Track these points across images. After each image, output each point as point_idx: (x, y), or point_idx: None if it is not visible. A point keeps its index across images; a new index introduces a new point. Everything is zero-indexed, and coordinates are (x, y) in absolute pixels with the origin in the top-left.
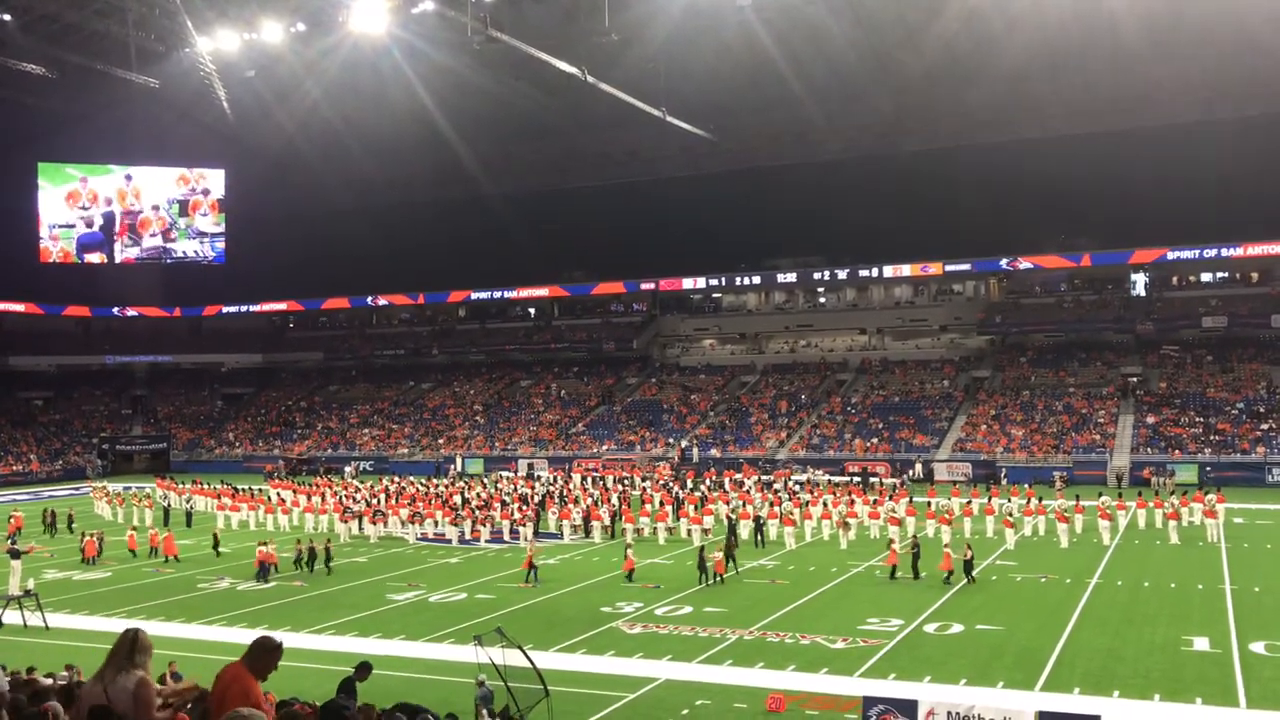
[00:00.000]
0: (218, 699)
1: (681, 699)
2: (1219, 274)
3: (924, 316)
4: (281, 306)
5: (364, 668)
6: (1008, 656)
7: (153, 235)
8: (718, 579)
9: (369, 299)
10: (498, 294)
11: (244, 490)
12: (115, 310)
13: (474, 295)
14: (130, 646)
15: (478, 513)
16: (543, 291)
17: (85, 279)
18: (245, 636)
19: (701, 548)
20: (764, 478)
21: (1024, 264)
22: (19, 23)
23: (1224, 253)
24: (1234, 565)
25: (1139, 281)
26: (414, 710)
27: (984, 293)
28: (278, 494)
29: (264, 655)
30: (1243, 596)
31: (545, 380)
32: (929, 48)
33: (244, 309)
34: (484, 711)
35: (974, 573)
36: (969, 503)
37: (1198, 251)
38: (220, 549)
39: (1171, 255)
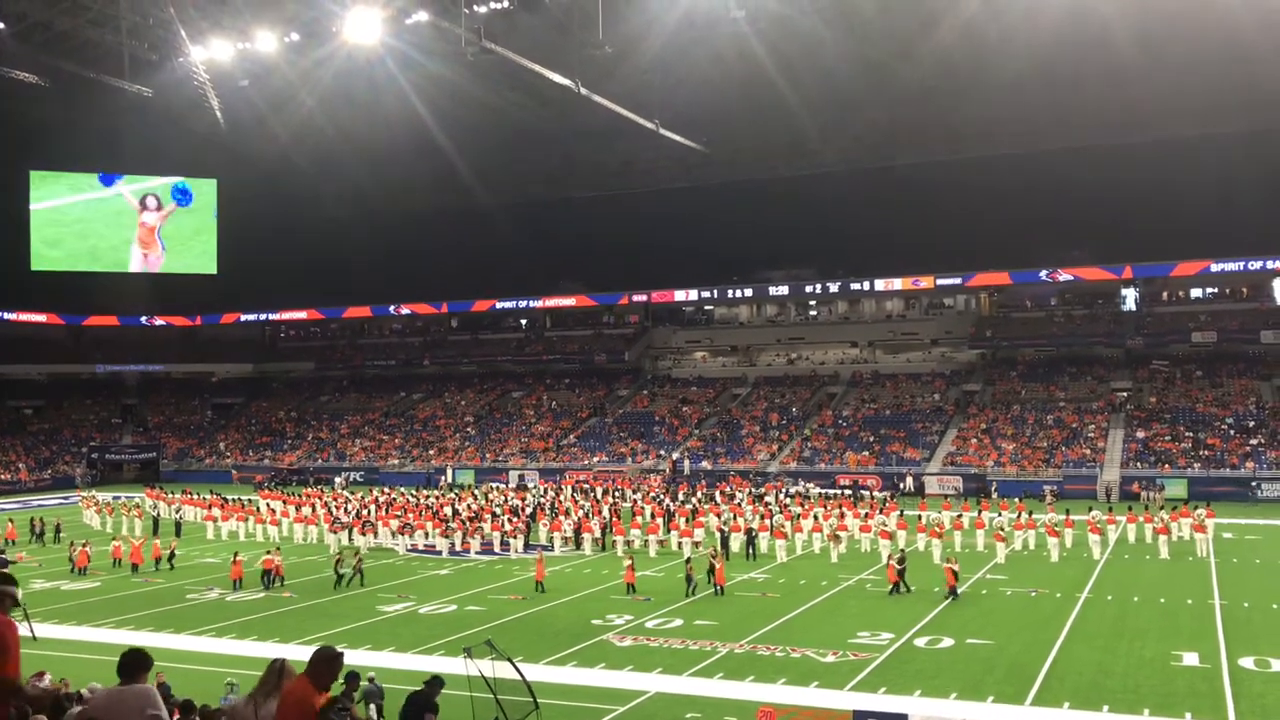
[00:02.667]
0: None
1: (672, 712)
2: (1209, 289)
3: (915, 330)
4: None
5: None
6: (998, 671)
7: (146, 245)
8: (717, 589)
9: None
10: (523, 303)
11: (234, 500)
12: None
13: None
14: (279, 674)
15: (468, 524)
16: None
17: (81, 289)
18: (235, 648)
19: (688, 560)
20: (755, 490)
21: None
22: (12, 30)
23: (1269, 264)
24: (1223, 580)
25: (1129, 296)
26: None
27: (975, 306)
28: (267, 504)
29: (323, 665)
30: (1232, 611)
31: (536, 391)
32: (924, 60)
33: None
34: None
35: (958, 589)
36: (959, 516)
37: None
38: (174, 562)
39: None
